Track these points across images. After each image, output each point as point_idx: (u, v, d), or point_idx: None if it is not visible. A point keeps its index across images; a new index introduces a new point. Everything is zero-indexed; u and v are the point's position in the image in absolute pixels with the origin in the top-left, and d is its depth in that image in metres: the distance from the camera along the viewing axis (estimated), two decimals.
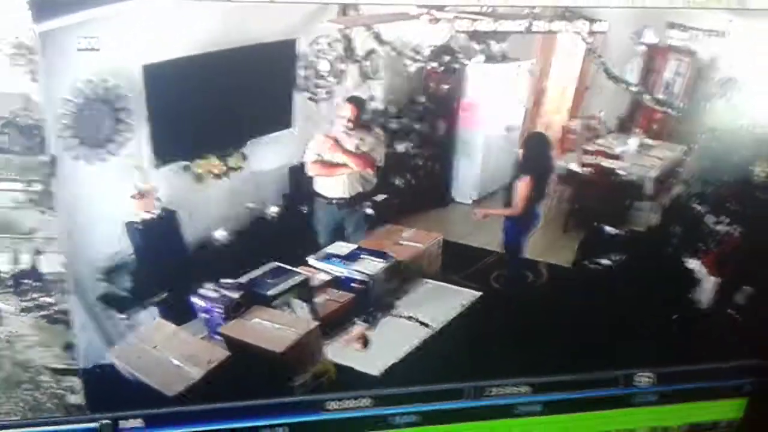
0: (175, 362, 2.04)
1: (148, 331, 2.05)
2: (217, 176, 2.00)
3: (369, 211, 2.19)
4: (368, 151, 2.10)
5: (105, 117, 1.73)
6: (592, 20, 1.90)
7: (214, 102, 1.80)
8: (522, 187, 2.19)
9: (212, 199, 2.03)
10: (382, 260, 2.21)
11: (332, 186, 2.17)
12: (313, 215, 2.19)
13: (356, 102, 2.05)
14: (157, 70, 1.71)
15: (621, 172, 2.29)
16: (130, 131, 1.77)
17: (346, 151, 2.09)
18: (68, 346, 1.93)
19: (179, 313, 2.07)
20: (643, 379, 2.41)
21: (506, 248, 2.29)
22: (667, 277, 2.31)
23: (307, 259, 2.19)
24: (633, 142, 2.26)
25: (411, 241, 2.27)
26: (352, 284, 2.21)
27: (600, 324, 2.28)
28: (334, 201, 2.18)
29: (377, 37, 1.87)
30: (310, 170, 2.13)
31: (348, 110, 2.05)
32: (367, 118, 2.06)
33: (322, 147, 2.10)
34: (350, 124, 2.07)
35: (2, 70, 1.59)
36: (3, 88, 1.62)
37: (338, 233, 2.22)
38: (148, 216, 1.90)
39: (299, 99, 1.97)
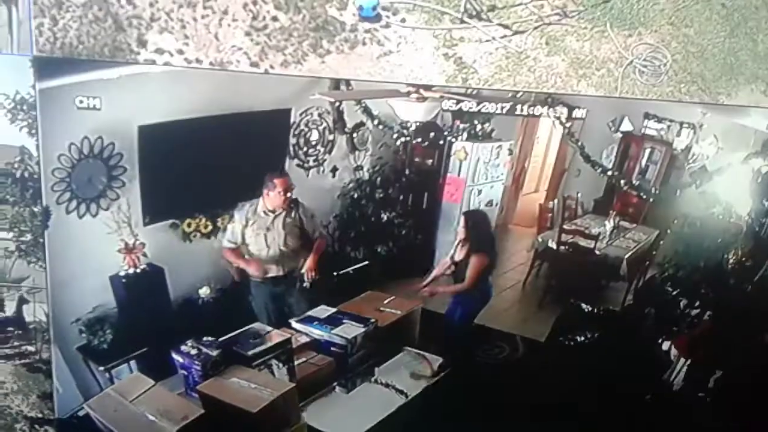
0: (150, 417, 2.02)
1: (126, 384, 2.04)
2: (205, 235, 2.04)
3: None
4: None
5: (98, 173, 1.78)
6: (571, 107, 1.97)
7: (206, 164, 1.86)
8: (475, 262, 2.21)
9: (199, 257, 2.07)
10: (362, 325, 2.22)
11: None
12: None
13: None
14: (151, 131, 1.78)
15: (597, 252, 2.34)
16: (122, 188, 1.82)
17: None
18: (46, 396, 1.94)
19: (158, 368, 2.06)
20: None
21: (453, 326, 2.31)
22: (640, 358, 2.32)
23: (289, 321, 2.20)
24: (609, 224, 2.32)
25: (391, 307, 2.29)
26: (332, 348, 2.21)
27: (573, 401, 2.28)
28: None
29: (366, 111, 1.94)
30: None
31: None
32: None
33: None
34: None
35: (1, 123, 1.66)
36: (1, 140, 1.69)
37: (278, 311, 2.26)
38: (133, 271, 1.93)
39: (289, 165, 2.02)
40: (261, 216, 2.04)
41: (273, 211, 2.06)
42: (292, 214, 2.08)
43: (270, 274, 2.16)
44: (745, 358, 2.34)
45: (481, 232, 2.19)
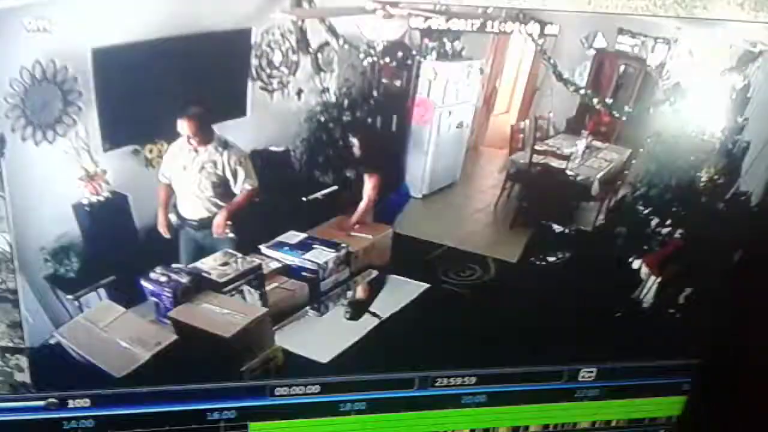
0: (123, 344, 2.05)
1: (96, 312, 2.06)
2: None
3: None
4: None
5: (53, 98, 1.72)
6: (543, 23, 1.92)
7: (165, 88, 1.80)
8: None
9: None
10: (333, 250, 2.22)
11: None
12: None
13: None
14: (106, 53, 1.71)
15: (569, 172, 2.32)
16: (78, 113, 1.76)
17: None
18: (15, 325, 1.93)
19: (128, 295, 2.06)
20: (586, 374, 2.46)
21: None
22: (610, 276, 2.37)
23: (258, 246, 2.19)
24: (581, 144, 2.30)
25: (362, 232, 2.28)
26: (303, 273, 2.22)
27: (545, 320, 2.33)
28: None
29: (331, 30, 1.88)
30: None
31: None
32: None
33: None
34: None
35: None
36: None
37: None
38: (96, 199, 1.90)
39: (253, 88, 1.96)
40: (183, 150, 1.95)
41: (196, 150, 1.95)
42: (213, 157, 1.98)
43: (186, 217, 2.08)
44: (714, 276, 2.38)
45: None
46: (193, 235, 2.13)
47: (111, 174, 1.90)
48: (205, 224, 2.09)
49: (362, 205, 2.18)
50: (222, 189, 2.07)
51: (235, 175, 2.05)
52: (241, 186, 2.05)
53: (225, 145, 2.03)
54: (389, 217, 2.25)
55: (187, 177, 2.03)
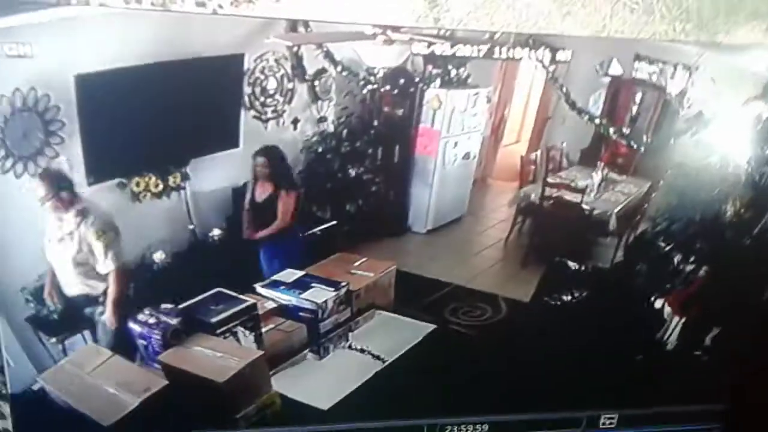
0: (110, 390, 1.95)
1: (82, 356, 1.96)
2: (156, 195, 1.90)
3: None
4: None
5: (34, 128, 1.64)
6: (555, 49, 1.84)
7: (153, 117, 1.72)
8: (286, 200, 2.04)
9: (151, 219, 1.94)
10: (332, 289, 2.12)
11: None
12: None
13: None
14: (90, 80, 1.63)
15: (585, 206, 2.22)
16: (61, 144, 1.68)
17: None
18: None
19: (115, 338, 1.96)
20: (607, 421, 2.33)
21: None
22: (631, 317, 2.25)
23: (254, 285, 2.09)
24: (597, 176, 2.20)
25: (363, 270, 2.18)
26: (301, 313, 2.12)
27: (561, 363, 2.21)
28: None
29: (328, 56, 1.79)
30: None
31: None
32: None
33: None
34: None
35: None
36: None
37: None
38: None
39: (246, 118, 1.88)
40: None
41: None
42: (71, 227, 1.75)
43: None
44: (743, 316, 2.24)
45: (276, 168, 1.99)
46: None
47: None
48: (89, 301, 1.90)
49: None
50: (87, 268, 1.85)
51: (92, 252, 1.82)
52: (104, 267, 1.84)
53: (84, 212, 1.78)
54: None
55: (52, 249, 1.80)
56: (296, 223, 2.07)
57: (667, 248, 2.18)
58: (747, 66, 1.93)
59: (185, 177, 1.89)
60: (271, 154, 1.96)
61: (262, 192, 2.03)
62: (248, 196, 2.03)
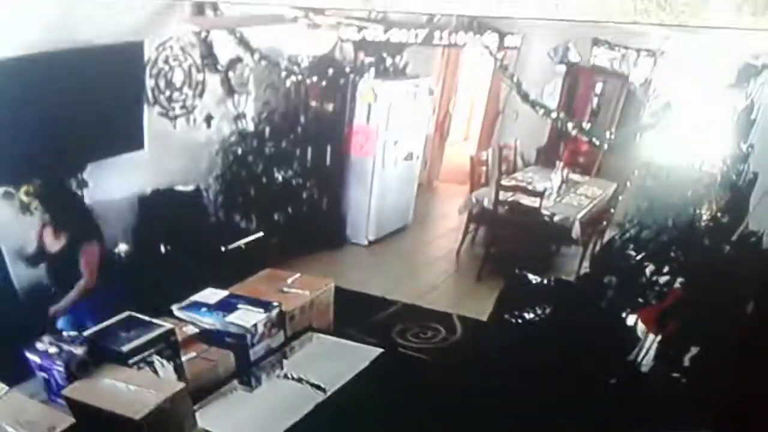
0: (9, 429, 1.71)
1: None
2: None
3: None
4: None
5: None
6: (502, 33, 1.66)
7: (41, 116, 1.49)
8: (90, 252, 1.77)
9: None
10: (262, 310, 1.88)
11: None
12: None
13: None
14: None
15: (544, 211, 2.04)
16: None
17: None
18: None
19: (11, 370, 1.73)
20: None
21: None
22: (601, 336, 2.06)
23: (171, 308, 1.86)
24: (556, 178, 2.02)
25: (297, 287, 1.96)
26: (227, 338, 1.88)
27: (526, 389, 2.02)
28: None
29: (243, 43, 1.59)
30: None
31: None
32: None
33: None
34: None
35: None
36: None
37: None
38: None
39: (150, 115, 1.66)
40: None
41: None
42: None
43: None
44: (724, 332, 2.07)
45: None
46: None
47: None
48: None
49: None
50: None
51: None
52: None
53: None
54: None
55: None
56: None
57: (638, 258, 2.01)
58: (718, 50, 1.76)
59: (82, 184, 1.66)
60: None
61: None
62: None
